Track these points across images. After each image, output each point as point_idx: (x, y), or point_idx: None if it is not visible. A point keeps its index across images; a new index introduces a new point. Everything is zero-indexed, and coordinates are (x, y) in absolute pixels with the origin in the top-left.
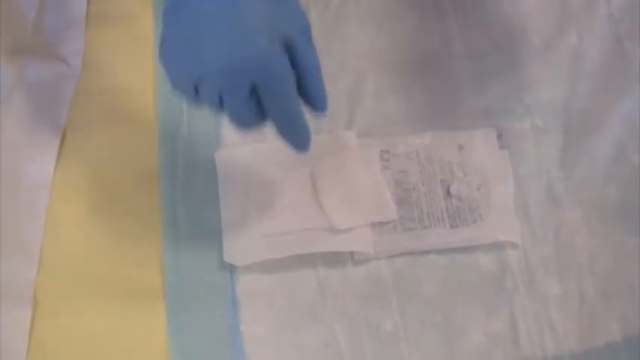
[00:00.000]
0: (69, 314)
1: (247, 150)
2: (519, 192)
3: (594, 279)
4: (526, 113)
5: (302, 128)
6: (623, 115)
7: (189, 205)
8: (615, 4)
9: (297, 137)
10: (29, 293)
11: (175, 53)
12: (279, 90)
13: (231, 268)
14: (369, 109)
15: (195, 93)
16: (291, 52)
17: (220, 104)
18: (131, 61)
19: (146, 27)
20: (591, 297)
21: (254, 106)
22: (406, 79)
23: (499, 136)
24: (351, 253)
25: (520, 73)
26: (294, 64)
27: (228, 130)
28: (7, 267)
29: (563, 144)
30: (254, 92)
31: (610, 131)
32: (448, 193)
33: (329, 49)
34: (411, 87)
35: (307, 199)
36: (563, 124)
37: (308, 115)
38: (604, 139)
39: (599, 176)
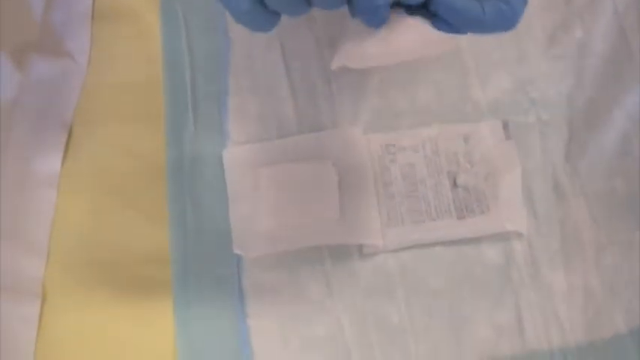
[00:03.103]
0: (77, 309)
1: (253, 148)
2: (525, 185)
3: (600, 272)
4: (532, 107)
5: None
6: (629, 109)
7: (197, 199)
8: None
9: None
10: (37, 289)
11: None
12: None
13: (238, 262)
14: (374, 102)
15: None
16: None
17: None
18: (137, 56)
19: (152, 22)
20: (597, 289)
21: None
22: (411, 73)
23: (505, 127)
24: (359, 246)
25: (525, 66)
26: None
27: (234, 125)
28: (16, 263)
29: (569, 137)
30: None
31: (615, 124)
32: (455, 184)
33: (333, 43)
34: (415, 81)
35: (315, 193)
36: (569, 117)
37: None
38: (609, 132)
39: (604, 169)
